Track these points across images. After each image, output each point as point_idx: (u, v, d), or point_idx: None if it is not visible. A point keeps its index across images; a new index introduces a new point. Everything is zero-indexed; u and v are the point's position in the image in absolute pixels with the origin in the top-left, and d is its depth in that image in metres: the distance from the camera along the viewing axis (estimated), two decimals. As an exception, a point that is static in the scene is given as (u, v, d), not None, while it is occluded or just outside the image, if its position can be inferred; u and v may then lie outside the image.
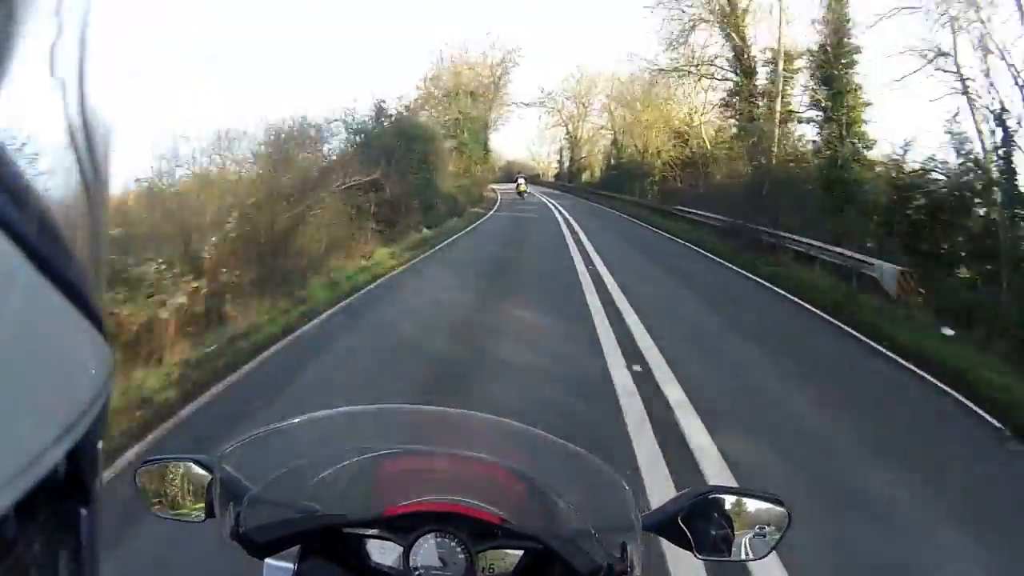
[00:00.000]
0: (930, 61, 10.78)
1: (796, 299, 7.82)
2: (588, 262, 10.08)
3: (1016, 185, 8.91)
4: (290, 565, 0.76)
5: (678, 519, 0.79)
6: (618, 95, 29.61)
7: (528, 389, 4.11)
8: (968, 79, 10.05)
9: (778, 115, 15.86)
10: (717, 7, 18.54)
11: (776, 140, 15.47)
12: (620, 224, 18.73)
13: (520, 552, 0.74)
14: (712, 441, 3.37)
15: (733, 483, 2.88)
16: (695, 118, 21.46)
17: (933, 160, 10.00)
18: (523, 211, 22.24)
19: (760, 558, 0.81)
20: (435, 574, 0.72)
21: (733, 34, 18.10)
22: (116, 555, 2.11)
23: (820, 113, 14.69)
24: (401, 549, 0.72)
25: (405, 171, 14.27)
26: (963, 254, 9.45)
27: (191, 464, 0.81)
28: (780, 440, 3.50)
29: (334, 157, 12.41)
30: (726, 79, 19.20)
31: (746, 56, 18.05)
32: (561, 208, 23.22)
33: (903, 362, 5.30)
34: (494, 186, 33.74)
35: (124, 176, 6.38)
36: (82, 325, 0.23)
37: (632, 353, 4.97)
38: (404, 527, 0.73)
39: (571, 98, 38.67)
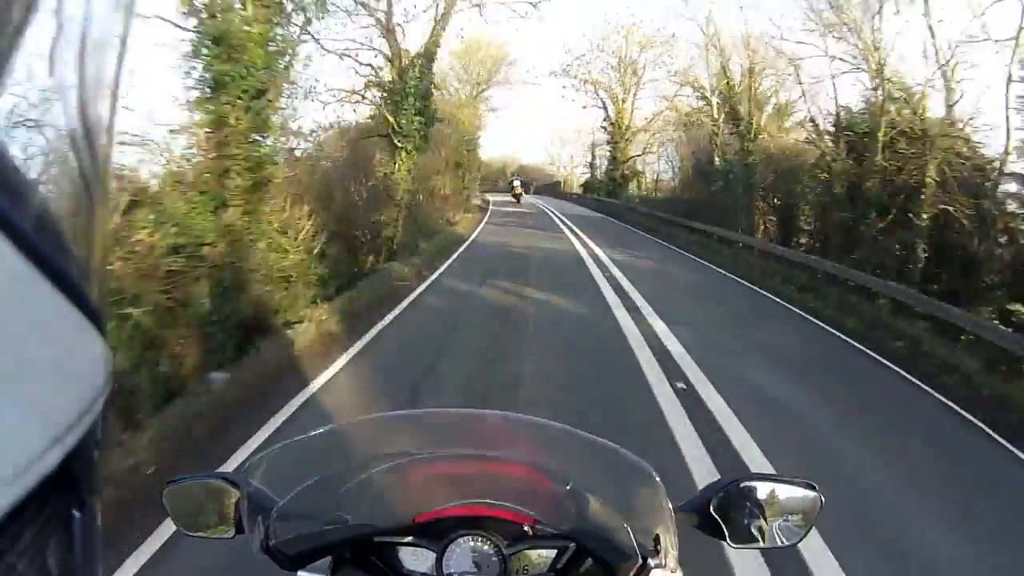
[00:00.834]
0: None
1: None
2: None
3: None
4: None
5: (710, 509, 0.78)
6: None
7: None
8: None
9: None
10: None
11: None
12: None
13: (554, 551, 0.74)
14: None
15: None
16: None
17: None
18: (524, 266, 9.81)
19: (794, 544, 0.80)
20: None
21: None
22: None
23: None
24: (434, 555, 0.72)
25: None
26: None
27: (218, 481, 0.82)
28: None
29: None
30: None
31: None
32: (627, 275, 9.40)
33: None
34: (490, 197, 27.95)
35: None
36: (82, 325, 0.23)
37: None
38: (436, 533, 0.72)
39: (613, 63, 25.00)
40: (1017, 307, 8.70)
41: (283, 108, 6.85)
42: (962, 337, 6.99)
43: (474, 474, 0.84)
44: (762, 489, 0.79)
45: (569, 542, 0.73)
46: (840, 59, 12.80)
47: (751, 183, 14.74)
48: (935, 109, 11.55)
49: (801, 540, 0.80)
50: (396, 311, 6.48)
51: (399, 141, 11.69)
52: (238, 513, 0.79)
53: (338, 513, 0.75)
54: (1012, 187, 10.33)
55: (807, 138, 13.97)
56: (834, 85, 13.11)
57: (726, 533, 0.79)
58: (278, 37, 6.33)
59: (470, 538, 0.71)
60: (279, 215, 6.66)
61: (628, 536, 0.70)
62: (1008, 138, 10.20)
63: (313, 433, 0.88)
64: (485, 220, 18.81)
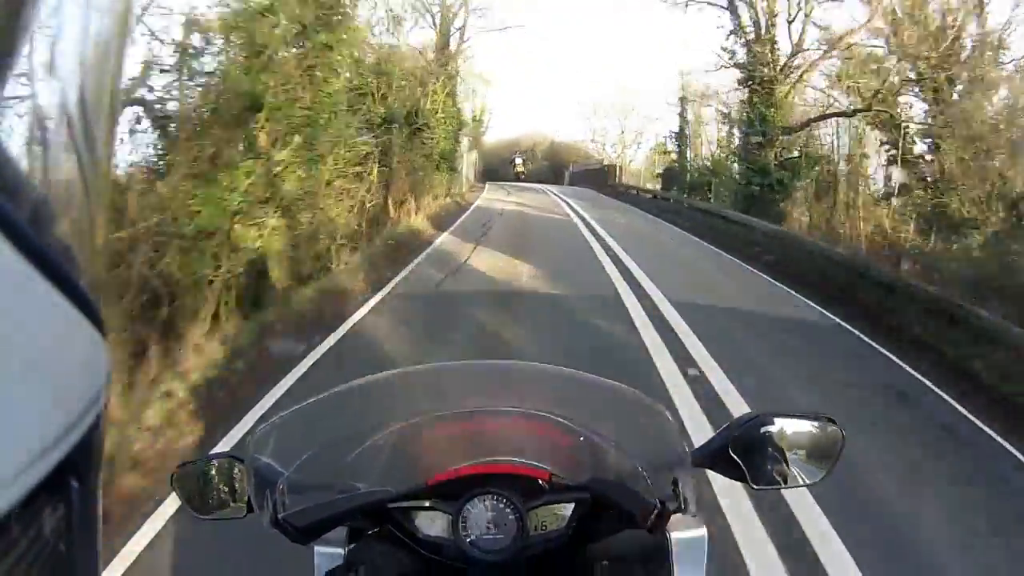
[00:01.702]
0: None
1: None
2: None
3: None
4: (339, 550, 0.76)
5: (729, 451, 0.75)
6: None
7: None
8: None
9: None
10: None
11: None
12: None
13: (571, 506, 0.72)
14: None
15: None
16: None
17: None
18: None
19: (817, 483, 0.78)
20: (487, 539, 0.69)
21: None
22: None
23: None
24: (449, 518, 0.70)
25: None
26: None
27: (225, 461, 0.82)
28: None
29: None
30: None
31: None
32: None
33: None
34: (486, 193, 18.16)
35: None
36: (81, 325, 0.23)
37: None
38: (451, 494, 0.70)
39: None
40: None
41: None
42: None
43: (486, 430, 0.82)
44: (781, 427, 0.77)
45: (586, 494, 0.71)
46: None
47: None
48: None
49: (824, 479, 0.78)
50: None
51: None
52: (247, 492, 0.78)
53: (349, 481, 0.72)
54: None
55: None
56: None
57: (747, 475, 0.76)
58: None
59: (486, 497, 0.69)
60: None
61: (645, 483, 0.69)
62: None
63: (317, 398, 0.85)
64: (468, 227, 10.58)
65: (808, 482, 0.78)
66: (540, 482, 0.70)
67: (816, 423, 0.78)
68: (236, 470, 0.80)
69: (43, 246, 0.20)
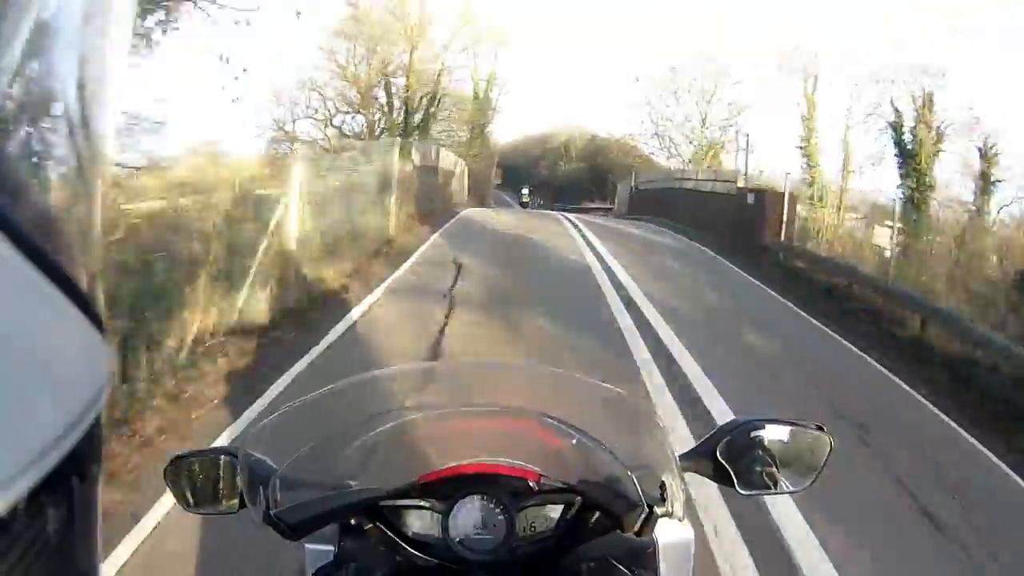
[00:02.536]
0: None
1: None
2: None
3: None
4: (330, 547, 0.76)
5: (717, 455, 0.76)
6: None
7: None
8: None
9: None
10: None
11: None
12: None
13: (560, 507, 0.73)
14: None
15: None
16: None
17: None
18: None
19: (804, 489, 0.78)
20: (475, 539, 0.70)
21: None
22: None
23: None
24: (439, 517, 0.71)
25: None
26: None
27: (217, 456, 0.81)
28: None
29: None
30: None
31: None
32: None
33: None
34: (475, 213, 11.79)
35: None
36: (82, 325, 0.23)
37: None
38: (441, 493, 0.71)
39: None
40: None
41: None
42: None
43: (477, 430, 0.83)
44: (770, 433, 0.77)
45: (575, 496, 0.71)
46: None
47: None
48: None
49: (811, 484, 0.78)
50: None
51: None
52: (239, 487, 0.78)
53: (341, 478, 0.73)
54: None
55: None
56: None
57: (735, 480, 0.76)
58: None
59: (476, 497, 0.70)
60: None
61: (633, 485, 0.69)
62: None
63: (312, 396, 0.86)
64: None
65: (794, 489, 0.78)
66: (530, 483, 0.70)
67: (804, 430, 0.78)
68: (229, 465, 0.80)
69: (43, 246, 0.20)
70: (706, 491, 2.66)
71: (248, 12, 6.17)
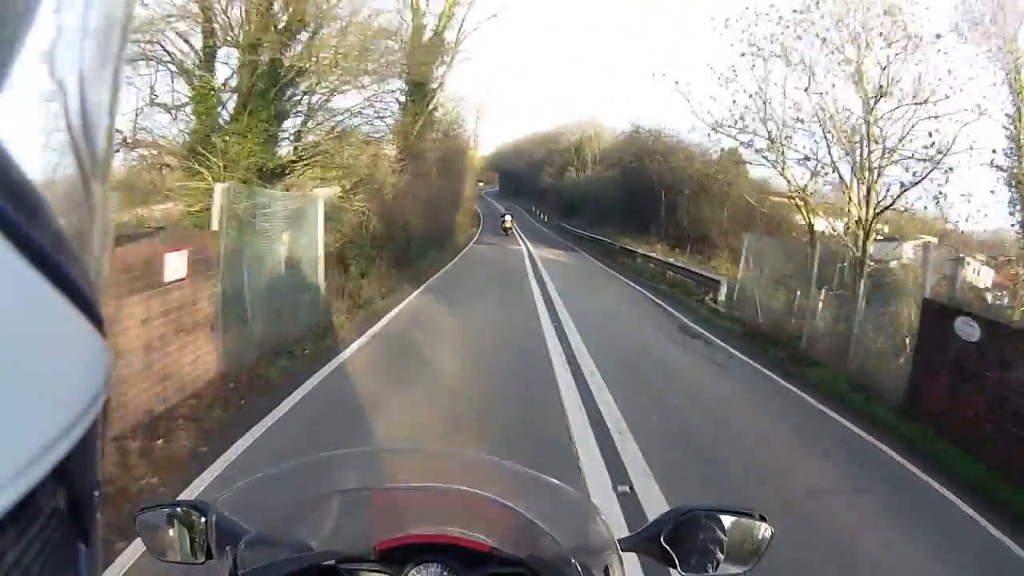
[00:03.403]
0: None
1: None
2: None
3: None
4: None
5: (661, 539, 0.82)
6: None
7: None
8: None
9: None
10: None
11: None
12: None
13: None
14: None
15: None
16: None
17: None
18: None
19: (743, 573, 0.83)
20: None
21: None
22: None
23: None
24: None
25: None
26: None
27: (188, 510, 0.86)
28: None
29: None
30: None
31: None
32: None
33: None
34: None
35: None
36: (82, 325, 0.23)
37: None
38: (396, 559, 0.75)
39: None
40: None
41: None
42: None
43: (433, 503, 0.89)
44: (712, 520, 0.83)
45: (524, 570, 0.75)
46: None
47: None
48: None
49: (750, 569, 0.83)
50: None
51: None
52: (207, 540, 0.83)
53: (304, 542, 0.78)
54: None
55: None
56: None
57: (676, 562, 0.82)
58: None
59: (429, 565, 0.74)
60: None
61: (576, 568, 0.75)
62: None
63: (285, 466, 0.92)
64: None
65: (734, 572, 0.83)
66: (481, 554, 0.74)
67: (745, 519, 0.83)
68: (196, 519, 0.85)
69: (43, 246, 0.20)
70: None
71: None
